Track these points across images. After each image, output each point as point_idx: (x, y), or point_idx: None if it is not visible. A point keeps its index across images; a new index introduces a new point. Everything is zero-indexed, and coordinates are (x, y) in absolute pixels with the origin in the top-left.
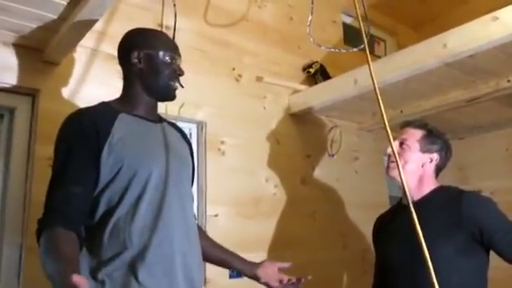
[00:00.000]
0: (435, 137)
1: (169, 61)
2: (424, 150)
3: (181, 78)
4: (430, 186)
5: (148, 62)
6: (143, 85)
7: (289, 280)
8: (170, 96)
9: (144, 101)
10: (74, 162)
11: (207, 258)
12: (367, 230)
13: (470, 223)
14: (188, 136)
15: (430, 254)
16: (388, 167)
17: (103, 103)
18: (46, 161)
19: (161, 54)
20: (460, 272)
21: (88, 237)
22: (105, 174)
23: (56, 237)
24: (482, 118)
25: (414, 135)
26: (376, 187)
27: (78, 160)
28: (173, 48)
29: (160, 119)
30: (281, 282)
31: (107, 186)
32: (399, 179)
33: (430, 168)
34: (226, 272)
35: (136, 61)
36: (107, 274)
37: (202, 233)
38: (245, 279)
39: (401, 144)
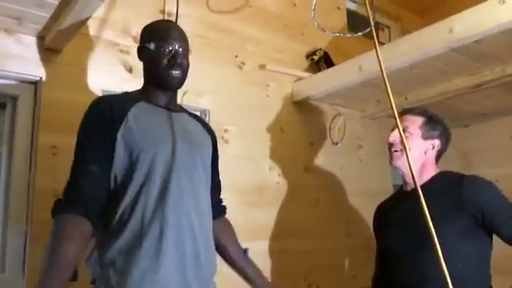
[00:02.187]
0: (435, 123)
1: (165, 51)
2: (426, 137)
3: None
4: (430, 172)
5: (145, 55)
6: (147, 77)
7: None
8: (170, 84)
9: (156, 91)
10: (91, 143)
11: (224, 257)
12: (371, 218)
13: (472, 207)
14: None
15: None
16: (392, 157)
17: (126, 92)
18: (50, 149)
19: (152, 45)
20: (463, 256)
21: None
22: (119, 156)
23: (62, 231)
24: (487, 105)
25: (415, 122)
26: (380, 175)
27: (94, 141)
28: (169, 37)
29: (180, 109)
30: None
31: (120, 167)
32: (403, 168)
33: (432, 154)
34: None
35: (139, 55)
36: (117, 251)
37: (229, 229)
38: None
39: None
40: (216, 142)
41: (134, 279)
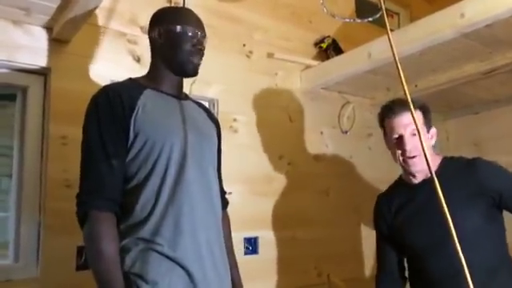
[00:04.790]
0: (428, 112)
1: (189, 35)
2: (428, 130)
3: None
4: (434, 161)
5: (167, 36)
6: (164, 60)
7: None
8: (189, 71)
9: (167, 77)
10: (108, 135)
11: None
12: None
13: (491, 190)
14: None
15: (460, 225)
16: (408, 164)
17: (130, 79)
18: (60, 139)
19: (179, 28)
20: (490, 237)
21: None
22: (132, 147)
23: (98, 229)
24: (498, 92)
25: (419, 119)
26: (390, 163)
27: (111, 133)
28: (194, 23)
29: (186, 97)
30: None
31: (133, 159)
32: (420, 172)
33: (431, 144)
34: (241, 249)
35: (157, 36)
36: (132, 242)
37: (226, 227)
38: (260, 255)
39: (413, 134)
40: (220, 133)
41: (154, 268)
